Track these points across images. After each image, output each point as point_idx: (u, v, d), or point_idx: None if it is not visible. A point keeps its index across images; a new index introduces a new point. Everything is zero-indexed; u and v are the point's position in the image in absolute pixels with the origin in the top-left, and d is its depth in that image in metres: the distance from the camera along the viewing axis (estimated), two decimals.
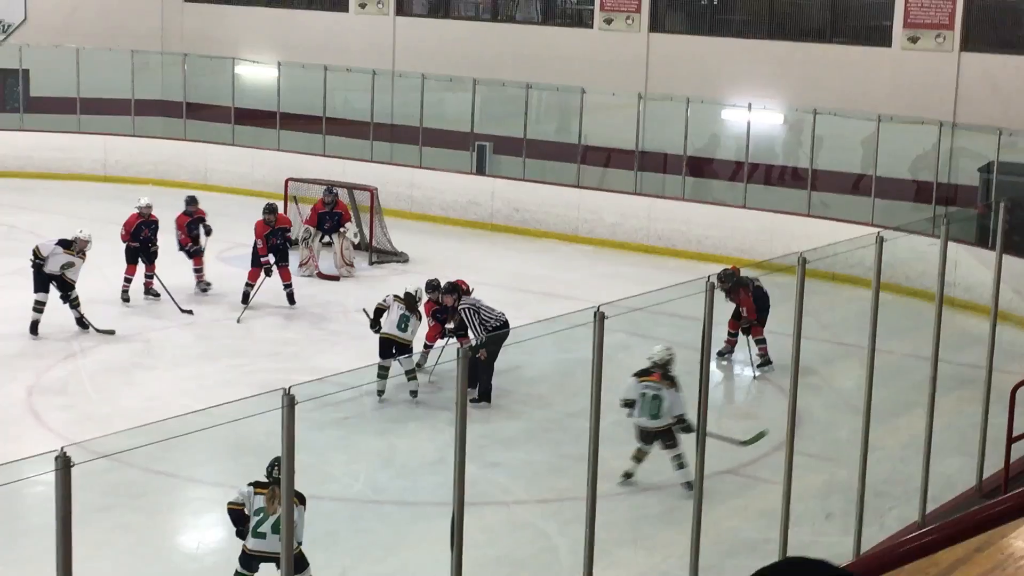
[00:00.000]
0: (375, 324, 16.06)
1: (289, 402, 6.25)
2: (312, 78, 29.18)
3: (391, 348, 15.61)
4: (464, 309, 15.91)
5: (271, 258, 19.32)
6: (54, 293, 17.45)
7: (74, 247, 17.65)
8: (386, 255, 23.14)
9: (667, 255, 24.04)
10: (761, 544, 11.40)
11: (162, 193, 28.66)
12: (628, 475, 13.05)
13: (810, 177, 23.90)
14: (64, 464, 5.35)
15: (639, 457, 13.12)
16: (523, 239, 25.29)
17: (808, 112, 23.77)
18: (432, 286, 16.38)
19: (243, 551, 9.97)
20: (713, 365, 14.48)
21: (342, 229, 22.01)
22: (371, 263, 22.86)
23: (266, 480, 10.08)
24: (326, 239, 22.01)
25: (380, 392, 15.28)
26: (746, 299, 17.22)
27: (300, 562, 9.69)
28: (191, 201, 20.54)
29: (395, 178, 27.07)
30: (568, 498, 12.48)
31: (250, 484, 10.07)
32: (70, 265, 17.54)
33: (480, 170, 27.62)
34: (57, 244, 17.64)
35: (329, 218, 21.91)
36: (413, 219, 26.53)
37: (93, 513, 10.09)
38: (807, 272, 10.45)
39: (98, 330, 17.47)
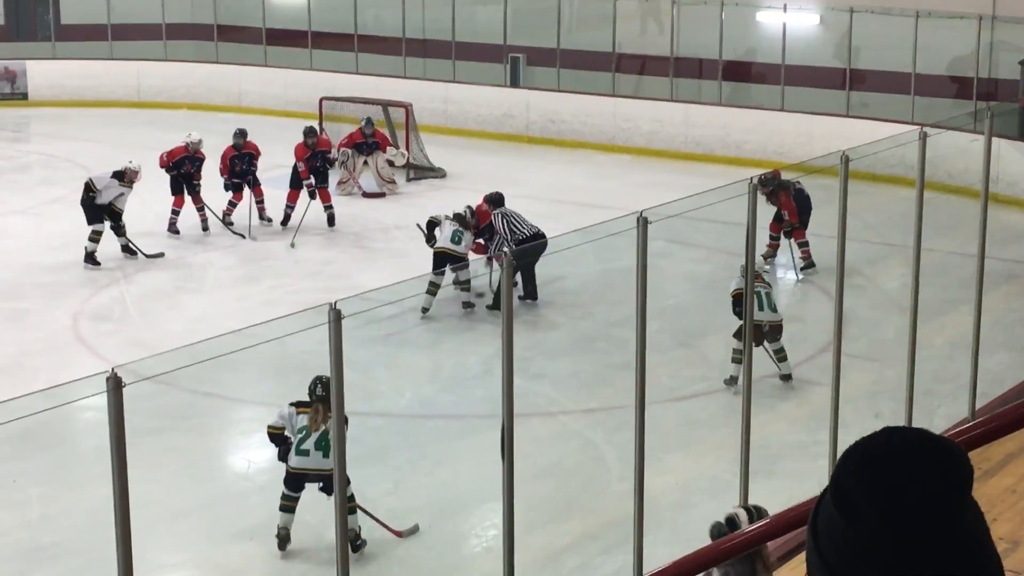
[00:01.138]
0: (430, 239, 16.08)
1: (336, 317, 6.23)
2: None
3: (445, 262, 15.62)
4: (497, 215, 15.93)
5: (312, 180, 19.20)
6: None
7: (126, 178, 17.67)
8: (423, 171, 23.07)
9: (705, 161, 23.88)
10: (811, 446, 11.38)
11: (196, 117, 28.69)
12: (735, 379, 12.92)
13: (848, 77, 23.64)
14: (115, 385, 5.36)
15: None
16: (559, 150, 25.16)
17: (845, 11, 23.46)
18: (493, 199, 16.33)
19: (287, 472, 9.98)
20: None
21: (384, 151, 21.95)
22: (408, 179, 22.80)
23: (308, 399, 10.09)
24: (363, 160, 21.96)
25: (425, 310, 15.25)
26: (787, 202, 17.09)
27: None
28: (240, 134, 19.91)
29: (429, 93, 26.93)
30: (614, 407, 12.48)
31: (291, 404, 10.08)
32: (121, 195, 17.59)
33: (514, 82, 27.45)
34: (112, 176, 17.63)
35: (367, 148, 21.86)
36: (448, 134, 26.41)
37: (143, 436, 10.13)
38: (849, 172, 10.34)
39: (147, 255, 17.51)
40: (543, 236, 15.74)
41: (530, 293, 15.58)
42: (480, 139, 26.45)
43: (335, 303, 6.28)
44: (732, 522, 7.72)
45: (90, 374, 11.00)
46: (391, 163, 22.23)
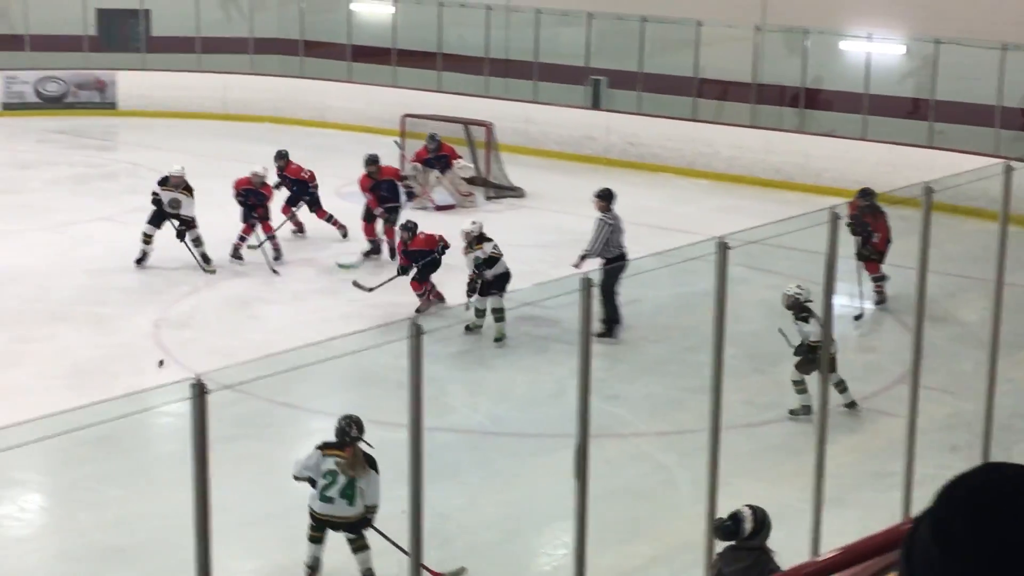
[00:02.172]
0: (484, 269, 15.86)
1: (416, 332, 6.30)
2: (427, 14, 29.22)
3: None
4: (605, 220, 15.80)
5: (383, 209, 18.77)
6: (167, 230, 17.77)
7: (169, 183, 17.88)
8: (502, 190, 23.17)
9: (784, 188, 23.82)
10: (884, 477, 11.32)
11: (280, 131, 28.98)
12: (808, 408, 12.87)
13: (932, 108, 23.49)
14: (199, 391, 5.46)
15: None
16: (638, 173, 25.18)
17: (930, 41, 23.33)
18: (604, 195, 16.34)
19: (310, 514, 9.79)
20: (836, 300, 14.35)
21: (452, 163, 22.10)
22: (487, 198, 22.91)
23: (337, 441, 9.78)
24: (435, 175, 22.14)
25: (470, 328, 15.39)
26: (882, 224, 16.93)
27: (361, 523, 9.76)
28: (371, 161, 19.00)
29: (510, 113, 27.04)
30: (687, 430, 12.49)
31: (318, 447, 9.76)
32: (176, 202, 17.78)
33: (595, 104, 27.52)
34: (158, 183, 17.96)
35: (436, 162, 22.06)
36: (529, 154, 26.51)
37: (219, 443, 10.24)
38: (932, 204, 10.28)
39: (205, 269, 17.60)
40: (625, 257, 15.69)
41: (611, 316, 15.50)
42: (560, 160, 26.53)
43: (416, 319, 6.36)
44: (736, 519, 7.75)
45: (168, 381, 11.19)
46: (467, 180, 22.39)
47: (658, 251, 16.54)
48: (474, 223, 16.12)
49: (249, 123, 29.95)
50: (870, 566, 8.99)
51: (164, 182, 17.99)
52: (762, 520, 7.61)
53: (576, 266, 15.32)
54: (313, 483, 9.67)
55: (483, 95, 28.08)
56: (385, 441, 12.19)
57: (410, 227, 16.14)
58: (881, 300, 16.91)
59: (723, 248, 8.33)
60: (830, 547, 6.46)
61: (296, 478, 9.73)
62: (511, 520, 10.97)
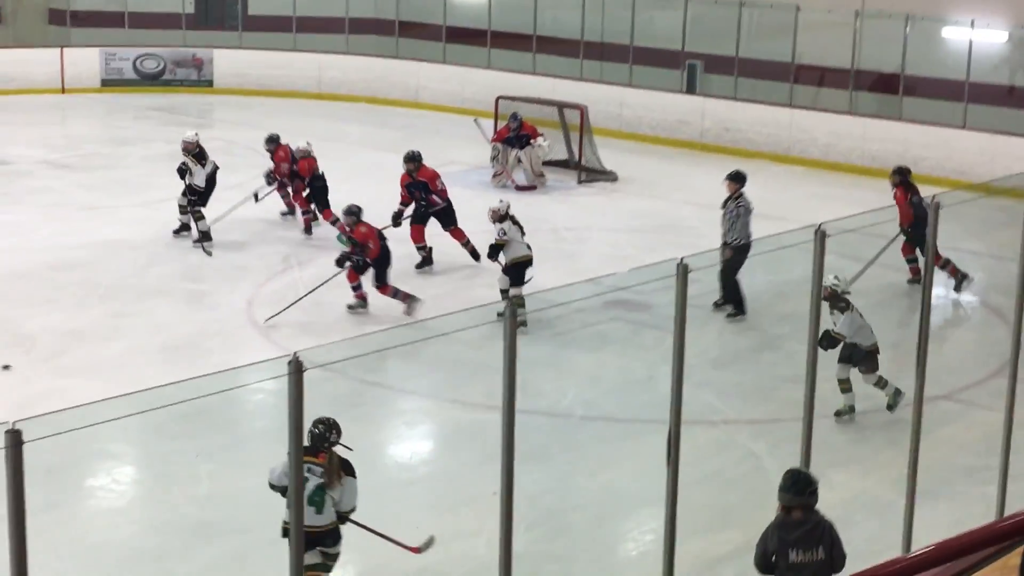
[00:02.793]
0: (495, 256, 15.40)
1: (511, 313, 6.29)
2: None
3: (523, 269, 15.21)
4: (741, 205, 15.67)
5: (405, 210, 17.56)
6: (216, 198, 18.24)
7: (183, 150, 18.25)
8: (595, 174, 23.11)
9: (881, 176, 23.44)
10: (979, 471, 11.16)
11: (374, 111, 29.12)
12: (852, 408, 12.77)
13: None
14: (296, 368, 5.49)
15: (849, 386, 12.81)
16: (733, 159, 24.93)
17: None
18: (736, 176, 15.98)
19: (283, 526, 8.47)
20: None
21: (532, 142, 22.14)
22: (580, 182, 22.87)
23: (310, 446, 8.69)
24: (516, 154, 22.18)
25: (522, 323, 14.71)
26: (900, 197, 16.73)
27: (334, 534, 8.89)
28: (410, 158, 17.80)
29: (605, 96, 26.96)
30: (778, 419, 12.39)
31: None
32: (183, 169, 18.05)
33: (690, 89, 27.36)
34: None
35: (517, 141, 22.12)
36: (622, 138, 26.43)
37: (310, 421, 10.35)
38: None
39: (204, 248, 17.73)
40: (748, 245, 15.51)
41: (738, 306, 15.50)
42: (653, 144, 26.42)
43: (510, 300, 6.34)
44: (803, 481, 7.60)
45: (261, 358, 11.27)
46: (545, 161, 22.44)
47: (753, 238, 16.43)
48: (501, 201, 15.72)
49: (344, 103, 30.13)
50: (964, 563, 8.87)
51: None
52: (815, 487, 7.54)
53: (725, 258, 15.28)
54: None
55: (577, 78, 28.01)
56: (475, 423, 12.25)
57: (354, 211, 15.18)
58: (915, 280, 16.73)
59: (821, 236, 8.24)
60: (922, 541, 6.36)
61: (272, 487, 8.74)
62: (599, 505, 10.95)
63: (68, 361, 13.69)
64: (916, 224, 16.52)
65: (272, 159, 19.10)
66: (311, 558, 8.58)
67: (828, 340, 12.27)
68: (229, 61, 30.86)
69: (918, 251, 16.49)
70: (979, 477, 11.06)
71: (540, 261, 17.58)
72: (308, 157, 19.03)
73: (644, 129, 26.94)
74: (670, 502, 7.47)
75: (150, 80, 30.63)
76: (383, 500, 10.96)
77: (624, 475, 11.47)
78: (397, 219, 17.40)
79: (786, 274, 16.75)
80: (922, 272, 16.64)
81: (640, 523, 10.64)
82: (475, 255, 17.31)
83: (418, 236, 17.40)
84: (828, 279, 12.59)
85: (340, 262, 15.21)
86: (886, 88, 25.28)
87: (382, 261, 15.23)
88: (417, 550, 9.35)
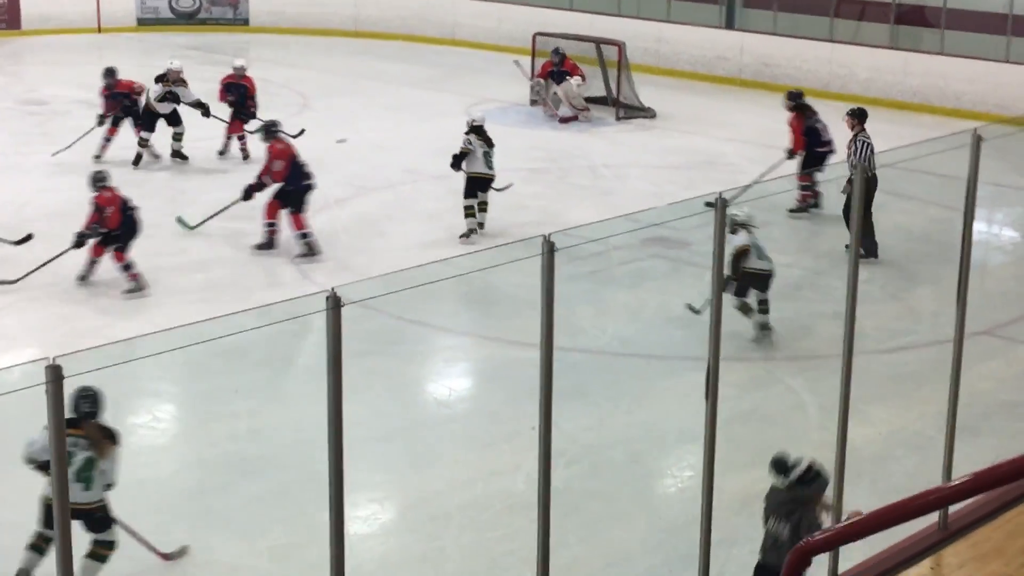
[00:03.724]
0: (458, 165, 16.02)
1: (549, 249, 6.26)
2: None
3: (480, 186, 15.90)
4: (864, 142, 15.37)
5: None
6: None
7: (167, 79, 19.04)
8: (633, 110, 23.00)
9: (922, 111, 23.34)
10: (1020, 406, 11.12)
11: (410, 48, 28.99)
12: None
13: None
14: (335, 304, 5.48)
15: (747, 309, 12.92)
16: (772, 95, 24.72)
17: None
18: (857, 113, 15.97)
19: (44, 504, 8.15)
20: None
21: (569, 79, 22.23)
22: (618, 118, 22.76)
23: (71, 416, 8.07)
24: (554, 90, 22.26)
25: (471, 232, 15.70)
26: (796, 124, 16.90)
27: (103, 517, 8.45)
28: (108, 74, 19.29)
29: (643, 32, 26.78)
30: (817, 356, 12.36)
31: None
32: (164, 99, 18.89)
33: (729, 24, 27.13)
34: (156, 81, 19.12)
35: (558, 76, 22.16)
36: (660, 74, 26.28)
37: (350, 358, 10.41)
38: None
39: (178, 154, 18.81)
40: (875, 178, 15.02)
41: (869, 250, 14.81)
42: (692, 80, 26.26)
43: (548, 235, 6.31)
44: (791, 463, 7.62)
45: (299, 295, 11.29)
46: (577, 91, 22.49)
47: (791, 174, 16.32)
48: (479, 114, 16.58)
49: (380, 41, 30.03)
50: (1005, 492, 8.84)
51: (162, 78, 19.14)
52: (816, 473, 7.50)
53: (844, 191, 14.92)
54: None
55: (615, 14, 27.81)
56: (513, 360, 12.25)
57: (99, 178, 14.39)
58: (801, 209, 16.86)
59: (861, 171, 8.16)
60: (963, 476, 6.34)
61: (31, 462, 8.12)
62: (638, 441, 10.95)
63: (107, 301, 13.75)
64: (809, 151, 16.77)
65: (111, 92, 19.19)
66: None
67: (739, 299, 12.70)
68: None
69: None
70: (1019, 412, 11.03)
71: (579, 198, 17.54)
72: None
73: (682, 65, 26.75)
74: (709, 438, 7.45)
75: (186, 19, 30.59)
76: (422, 437, 11.02)
77: (663, 412, 11.47)
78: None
79: (827, 209, 16.67)
80: (816, 199, 16.75)
81: (679, 459, 10.64)
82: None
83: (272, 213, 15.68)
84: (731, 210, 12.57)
85: (80, 238, 14.19)
86: (927, 22, 24.99)
87: (125, 232, 14.20)
88: (167, 557, 8.86)
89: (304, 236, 15.13)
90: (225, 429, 11.03)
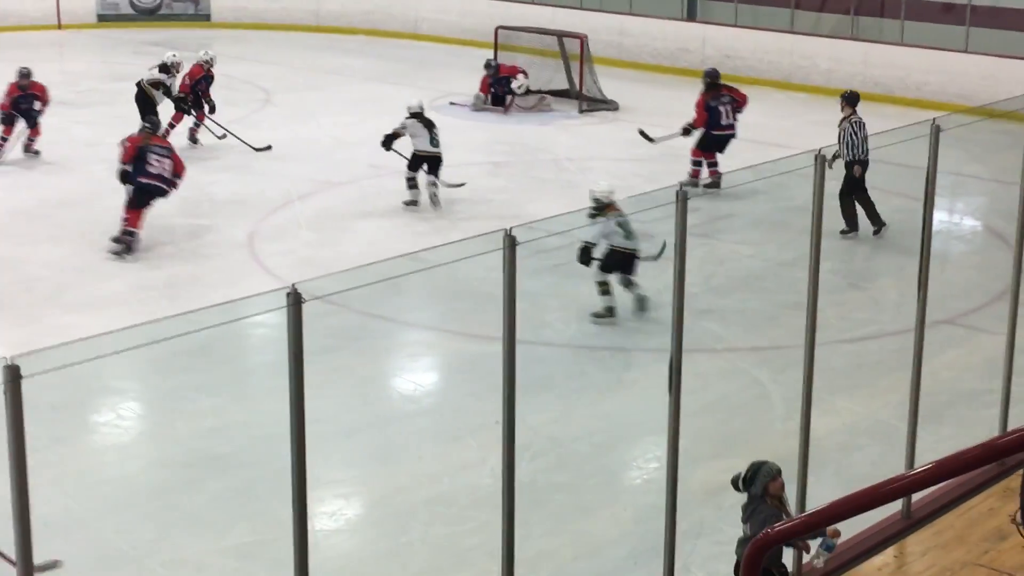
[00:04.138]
0: (388, 144, 17.06)
1: (511, 243, 6.27)
2: None
3: (421, 163, 16.77)
4: (855, 122, 15.97)
5: None
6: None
7: (170, 72, 19.36)
8: (596, 103, 23.03)
9: (884, 102, 23.42)
10: (982, 394, 11.18)
11: (373, 43, 28.95)
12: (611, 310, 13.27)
13: None
14: (295, 300, 5.47)
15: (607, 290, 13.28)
16: (734, 86, 24.86)
17: None
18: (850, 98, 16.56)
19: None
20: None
21: (513, 83, 22.35)
22: (581, 111, 22.78)
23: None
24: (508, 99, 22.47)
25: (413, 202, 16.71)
26: (700, 100, 17.72)
27: None
28: (24, 75, 19.09)
29: (605, 25, 26.82)
30: (781, 346, 12.40)
31: None
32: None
33: (691, 16, 27.20)
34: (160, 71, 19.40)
35: (499, 85, 22.26)
36: (623, 67, 26.32)
37: (314, 354, 10.38)
38: None
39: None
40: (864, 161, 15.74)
41: (876, 221, 15.69)
42: (654, 73, 26.30)
43: (510, 229, 6.32)
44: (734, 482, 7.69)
45: (263, 291, 11.26)
46: (528, 90, 22.68)
47: (753, 164, 16.35)
48: (416, 101, 17.25)
49: (343, 35, 29.97)
50: (967, 480, 8.90)
51: (165, 69, 19.47)
52: (754, 470, 7.54)
53: (858, 176, 15.62)
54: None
55: (577, 7, 27.85)
56: (478, 354, 12.25)
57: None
58: (714, 184, 17.39)
59: (821, 161, 8.20)
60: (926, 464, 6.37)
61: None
62: (603, 433, 10.97)
63: (70, 298, 13.69)
64: (707, 130, 17.58)
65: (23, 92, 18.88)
66: None
67: (581, 252, 13.14)
68: None
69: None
70: (982, 401, 11.08)
71: (541, 191, 17.54)
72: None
73: (645, 57, 26.80)
74: (672, 430, 7.48)
75: (147, 15, 30.46)
76: (388, 432, 11.00)
77: (627, 404, 11.49)
78: None
79: (788, 201, 16.72)
80: (706, 175, 17.13)
81: (644, 451, 10.66)
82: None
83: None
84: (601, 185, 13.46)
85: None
86: (887, 12, 25.10)
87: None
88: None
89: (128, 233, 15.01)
90: (190, 427, 10.99)
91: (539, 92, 22.96)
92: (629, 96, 23.34)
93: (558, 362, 12.21)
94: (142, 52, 27.56)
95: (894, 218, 16.23)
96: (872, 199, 15.71)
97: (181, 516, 9.54)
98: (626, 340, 12.89)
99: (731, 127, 17.82)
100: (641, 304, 13.30)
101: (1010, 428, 9.81)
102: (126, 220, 14.90)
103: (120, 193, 16.29)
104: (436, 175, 16.76)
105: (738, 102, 18.00)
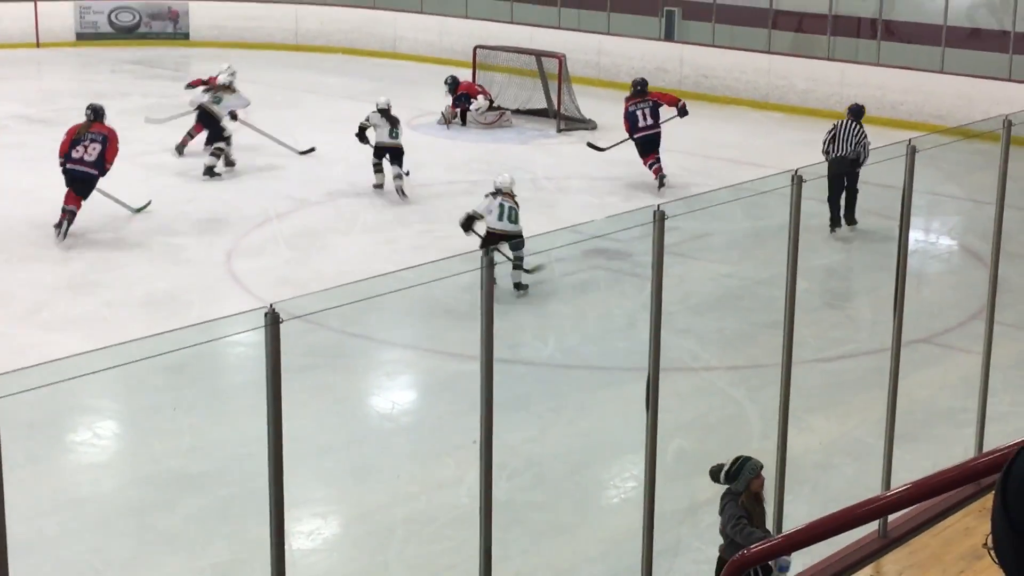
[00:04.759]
0: (361, 135, 18.60)
1: (488, 264, 6.29)
2: None
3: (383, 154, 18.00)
4: (842, 132, 17.01)
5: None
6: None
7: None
8: (574, 122, 23.07)
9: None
10: (958, 413, 11.22)
11: (352, 62, 28.98)
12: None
13: (1012, 40, 23.07)
14: (273, 320, 5.48)
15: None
16: (712, 106, 24.97)
17: None
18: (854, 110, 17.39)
19: None
20: None
21: (473, 107, 22.50)
22: (559, 130, 22.83)
23: None
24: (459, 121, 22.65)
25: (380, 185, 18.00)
26: (624, 108, 18.90)
27: None
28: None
29: (583, 45, 26.89)
30: (758, 365, 12.43)
31: None
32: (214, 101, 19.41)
33: (668, 36, 27.28)
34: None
35: (461, 102, 22.41)
36: (601, 86, 26.38)
37: (291, 373, 10.39)
38: (1011, 138, 10.11)
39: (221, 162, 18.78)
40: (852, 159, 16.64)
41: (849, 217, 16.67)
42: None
43: (488, 250, 6.34)
44: (714, 472, 7.80)
45: (241, 310, 11.26)
46: (491, 106, 22.82)
47: (731, 184, 16.40)
48: (384, 99, 18.62)
49: (321, 54, 29.99)
50: (944, 500, 8.93)
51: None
52: (739, 465, 7.62)
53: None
54: None
55: (555, 27, 27.91)
56: (456, 373, 12.26)
57: None
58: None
59: (798, 181, 8.25)
60: (902, 483, 6.39)
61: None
62: (580, 452, 10.99)
63: (47, 316, 13.65)
64: (631, 135, 18.80)
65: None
66: None
67: (466, 219, 14.63)
68: (205, 13, 30.67)
69: None
70: (958, 419, 11.12)
71: (521, 210, 17.57)
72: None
73: (623, 77, 26.83)
74: (650, 449, 7.50)
75: (125, 33, 30.43)
76: (365, 451, 11.00)
77: (605, 423, 11.51)
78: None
79: (766, 220, 16.78)
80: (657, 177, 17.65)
81: (621, 470, 10.68)
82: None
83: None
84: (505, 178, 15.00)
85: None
86: (864, 33, 25.24)
87: None
88: None
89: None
90: (167, 445, 10.97)
91: (499, 108, 23.09)
92: (607, 115, 23.38)
93: (536, 381, 12.22)
94: (120, 70, 27.56)
95: (870, 237, 16.32)
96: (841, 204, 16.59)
97: (157, 535, 9.52)
98: (603, 359, 12.90)
99: (650, 127, 18.74)
100: (517, 287, 14.11)
101: (986, 447, 9.86)
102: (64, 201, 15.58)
103: (96, 209, 16.29)
104: (399, 165, 17.97)
105: (659, 103, 18.98)
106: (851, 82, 24.11)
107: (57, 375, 5.87)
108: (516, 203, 14.76)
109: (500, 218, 14.47)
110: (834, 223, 16.60)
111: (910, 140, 9.07)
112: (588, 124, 22.98)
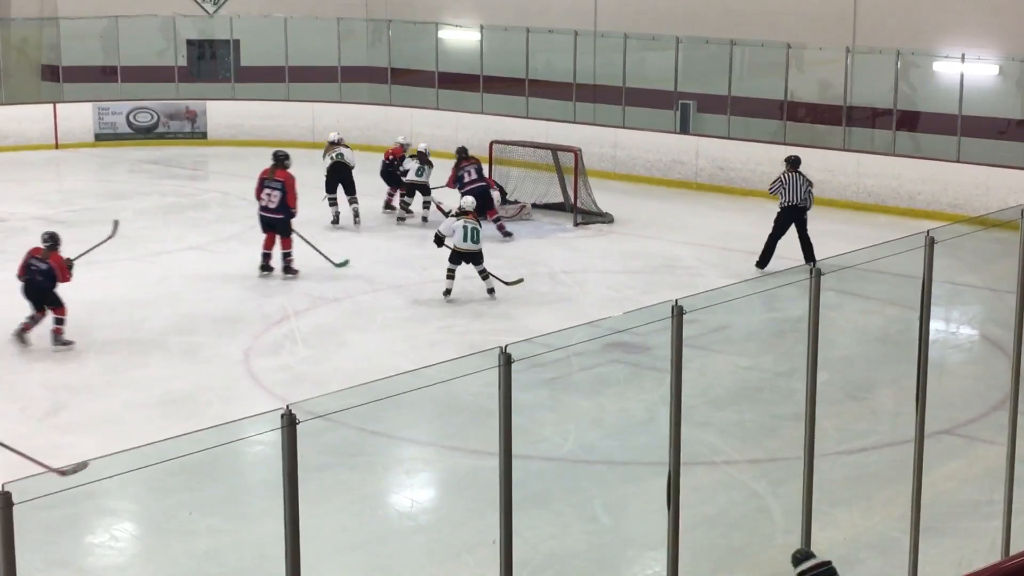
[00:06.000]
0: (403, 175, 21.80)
1: (506, 361, 6.25)
2: (514, 40, 29.30)
3: (460, 260, 17.96)
4: (789, 179, 19.27)
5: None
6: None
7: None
8: (590, 216, 23.12)
9: (877, 211, 23.57)
10: (984, 505, 11.11)
11: (369, 159, 29.13)
12: (448, 292, 17.48)
13: None
14: (290, 421, 5.45)
15: (451, 275, 17.50)
16: (728, 198, 25.04)
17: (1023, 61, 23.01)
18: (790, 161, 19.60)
19: None
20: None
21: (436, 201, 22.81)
22: (575, 224, 22.87)
23: None
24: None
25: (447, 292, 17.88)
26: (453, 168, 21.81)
27: None
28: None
29: (598, 138, 27.03)
30: (780, 458, 12.34)
31: None
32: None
33: (684, 129, 27.40)
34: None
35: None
36: (617, 179, 26.49)
37: (310, 471, 10.31)
38: None
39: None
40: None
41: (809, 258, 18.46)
42: (648, 185, 26.45)
43: (505, 347, 6.31)
44: (806, 556, 7.71)
45: (260, 410, 11.21)
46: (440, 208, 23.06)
47: (750, 277, 16.41)
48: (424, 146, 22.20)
49: None
50: None
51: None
52: (824, 573, 7.56)
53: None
54: None
55: (571, 120, 28.09)
56: (475, 469, 12.18)
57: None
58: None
59: (817, 274, 8.22)
60: None
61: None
62: (602, 549, 10.88)
63: (65, 418, 13.63)
64: (460, 190, 20.86)
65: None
66: None
67: (436, 239, 17.71)
68: (222, 112, 30.93)
69: None
70: (984, 512, 11.00)
71: (537, 304, 17.56)
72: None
73: (639, 170, 26.97)
74: (672, 545, 7.41)
75: (144, 133, 30.68)
76: (385, 550, 10.91)
77: (626, 519, 11.41)
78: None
79: (783, 312, 16.75)
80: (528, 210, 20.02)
81: (643, 567, 10.56)
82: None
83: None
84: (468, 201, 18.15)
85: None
86: (879, 123, 25.33)
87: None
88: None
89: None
90: (186, 548, 10.89)
91: (518, 202, 23.16)
92: (623, 208, 23.47)
93: (555, 476, 12.13)
94: (138, 170, 27.75)
95: (890, 328, 16.26)
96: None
97: None
98: (623, 454, 12.82)
99: (474, 181, 21.32)
100: (491, 294, 17.40)
101: (1013, 540, 9.74)
102: None
103: (114, 309, 16.33)
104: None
105: (478, 164, 21.82)
106: (867, 172, 24.17)
107: (76, 479, 5.83)
108: (479, 223, 17.59)
109: (464, 239, 17.31)
110: (764, 262, 18.84)
111: (928, 231, 9.04)
112: (605, 217, 23.04)
